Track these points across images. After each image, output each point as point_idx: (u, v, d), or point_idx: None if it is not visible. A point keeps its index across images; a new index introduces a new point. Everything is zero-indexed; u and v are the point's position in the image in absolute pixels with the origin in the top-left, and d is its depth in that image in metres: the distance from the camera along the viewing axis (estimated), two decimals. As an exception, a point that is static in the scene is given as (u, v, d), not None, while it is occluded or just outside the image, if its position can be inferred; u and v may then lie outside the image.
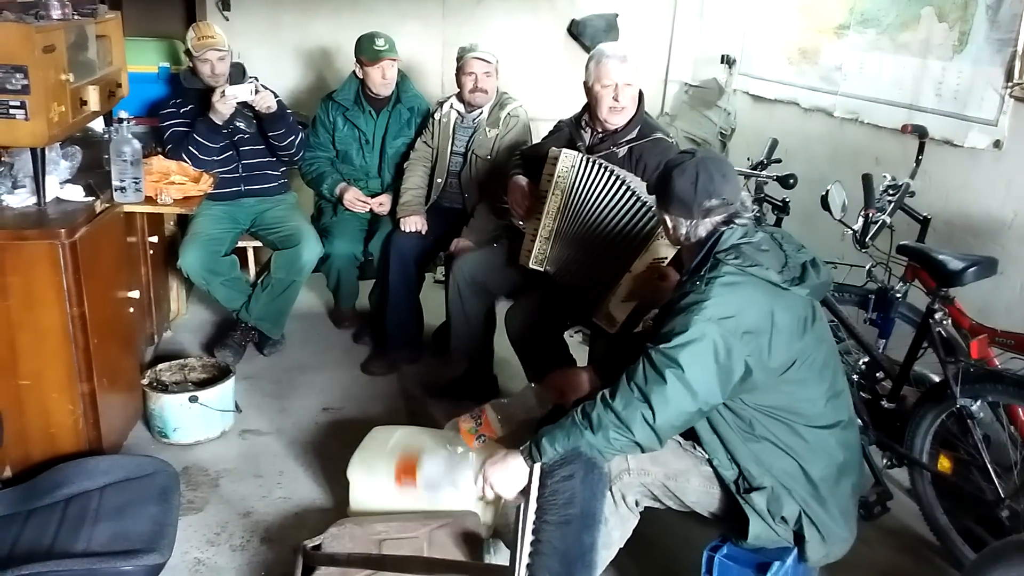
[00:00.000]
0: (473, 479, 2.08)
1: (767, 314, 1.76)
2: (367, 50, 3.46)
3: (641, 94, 2.77)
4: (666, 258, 2.47)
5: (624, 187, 2.54)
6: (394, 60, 3.49)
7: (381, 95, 3.56)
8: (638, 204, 2.52)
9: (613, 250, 2.57)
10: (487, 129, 3.41)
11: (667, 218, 1.95)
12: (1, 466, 2.39)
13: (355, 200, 3.54)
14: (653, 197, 2.32)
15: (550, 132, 3.02)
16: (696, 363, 1.73)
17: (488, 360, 3.19)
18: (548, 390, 2.22)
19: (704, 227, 1.89)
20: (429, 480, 2.25)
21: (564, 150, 2.67)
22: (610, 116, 2.72)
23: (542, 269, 2.76)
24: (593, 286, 2.63)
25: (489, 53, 3.36)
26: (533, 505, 1.76)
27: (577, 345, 3.36)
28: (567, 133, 2.90)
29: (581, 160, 2.62)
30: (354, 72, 3.57)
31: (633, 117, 2.74)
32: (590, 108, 2.78)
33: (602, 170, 2.59)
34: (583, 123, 2.84)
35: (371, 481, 2.37)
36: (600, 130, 2.78)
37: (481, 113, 3.44)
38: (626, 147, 2.73)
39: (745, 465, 1.86)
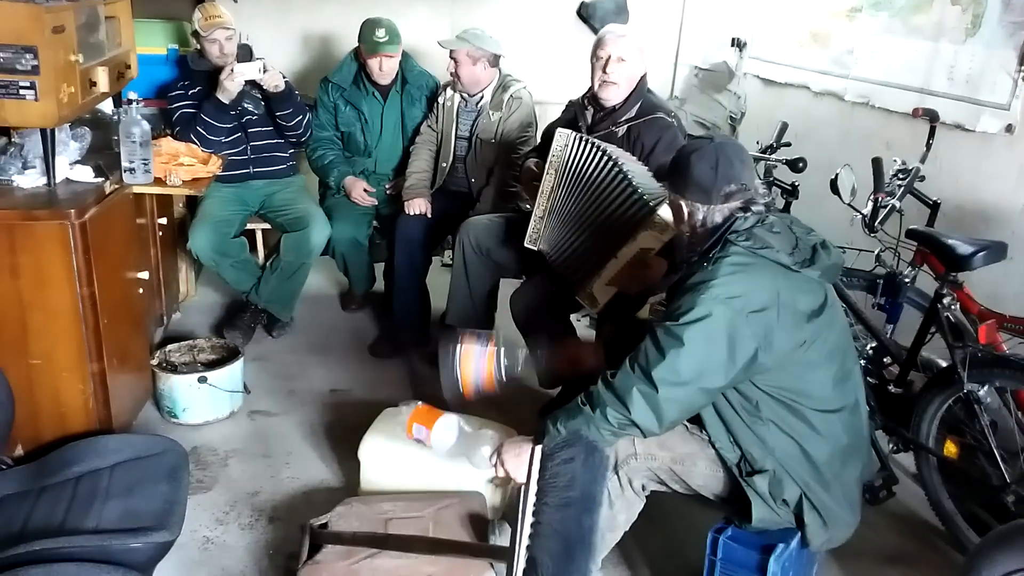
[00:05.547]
0: (487, 456, 2.08)
1: (775, 296, 1.76)
2: (367, 39, 3.43)
3: (644, 77, 2.76)
4: (653, 249, 2.44)
5: (615, 168, 2.49)
6: (391, 56, 3.44)
7: (381, 83, 3.54)
8: (628, 188, 2.45)
9: (602, 233, 2.54)
10: (490, 112, 3.40)
11: (683, 203, 1.91)
12: (12, 445, 2.41)
13: (363, 196, 3.56)
14: (645, 181, 2.29)
15: (562, 112, 3.02)
16: (699, 341, 1.73)
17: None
18: (556, 359, 2.22)
19: (721, 213, 1.87)
20: (440, 439, 2.18)
21: (559, 129, 2.67)
22: (601, 90, 2.73)
23: (536, 248, 2.76)
24: (580, 267, 2.62)
25: (460, 40, 3.31)
26: (533, 487, 1.77)
27: (584, 329, 3.36)
28: (572, 113, 2.91)
29: (574, 139, 2.61)
30: (353, 53, 3.56)
31: (631, 96, 2.73)
32: (591, 86, 2.80)
33: (593, 149, 2.56)
34: (585, 102, 2.85)
35: (382, 461, 2.38)
36: (599, 108, 2.78)
37: (483, 97, 3.42)
38: (625, 126, 2.73)
39: (747, 448, 1.86)
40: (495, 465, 1.94)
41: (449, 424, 2.10)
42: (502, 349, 2.11)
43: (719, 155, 1.85)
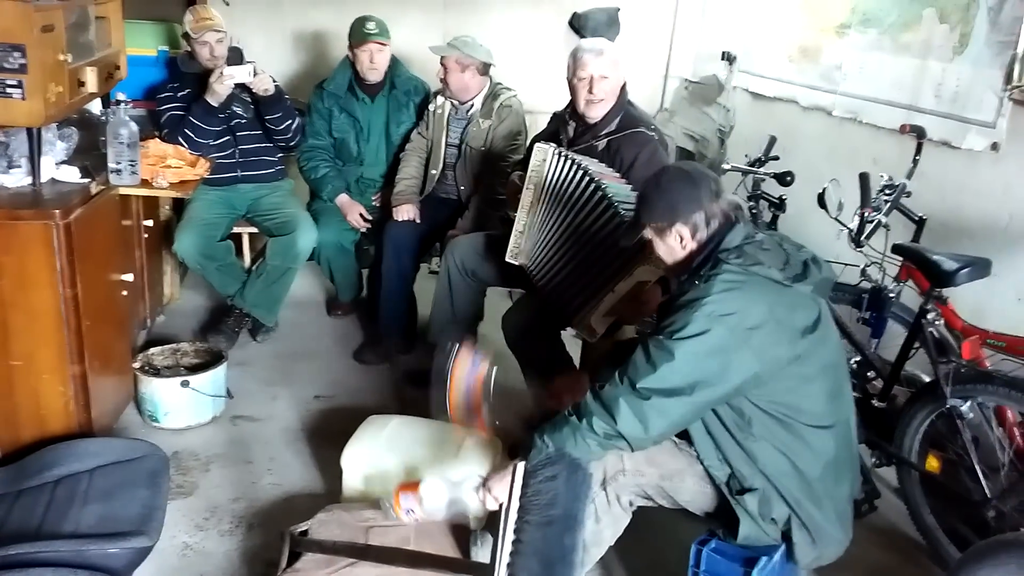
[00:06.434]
0: (476, 492, 2.03)
1: (769, 312, 1.76)
2: (356, 31, 3.45)
3: (624, 87, 2.77)
4: (649, 281, 2.41)
5: (595, 188, 2.45)
6: (382, 44, 3.45)
7: (370, 80, 3.54)
8: (612, 214, 2.41)
9: (591, 261, 2.48)
10: (480, 120, 3.40)
11: (682, 228, 1.87)
12: (-9, 446, 2.39)
13: (359, 221, 3.54)
14: (628, 202, 2.30)
15: (547, 124, 3.02)
16: (690, 356, 1.73)
17: None
18: (547, 396, 2.21)
19: (715, 220, 1.86)
20: (433, 509, 2.07)
21: (538, 144, 2.68)
22: (588, 109, 2.73)
23: (516, 263, 2.75)
24: (572, 297, 2.56)
25: (450, 47, 3.32)
26: (515, 504, 1.75)
27: (571, 339, 3.35)
28: (555, 125, 2.92)
29: (552, 155, 2.60)
30: (347, 57, 3.56)
31: (612, 110, 2.74)
32: (572, 102, 2.80)
33: (572, 166, 2.53)
34: (567, 116, 2.86)
35: (365, 469, 2.37)
36: (581, 123, 2.79)
37: (473, 105, 3.42)
38: (605, 140, 2.73)
39: (737, 466, 1.86)
40: (483, 498, 1.91)
41: (434, 485, 2.05)
42: (495, 369, 2.07)
43: (674, 170, 1.92)
